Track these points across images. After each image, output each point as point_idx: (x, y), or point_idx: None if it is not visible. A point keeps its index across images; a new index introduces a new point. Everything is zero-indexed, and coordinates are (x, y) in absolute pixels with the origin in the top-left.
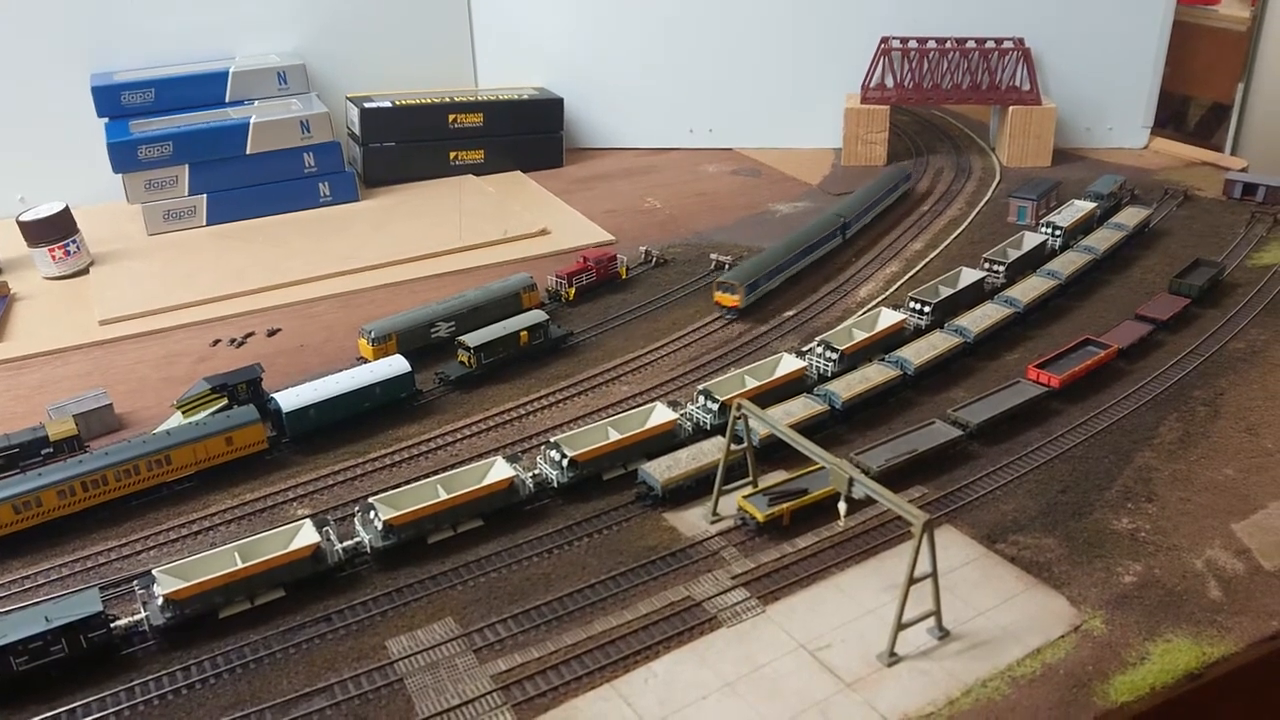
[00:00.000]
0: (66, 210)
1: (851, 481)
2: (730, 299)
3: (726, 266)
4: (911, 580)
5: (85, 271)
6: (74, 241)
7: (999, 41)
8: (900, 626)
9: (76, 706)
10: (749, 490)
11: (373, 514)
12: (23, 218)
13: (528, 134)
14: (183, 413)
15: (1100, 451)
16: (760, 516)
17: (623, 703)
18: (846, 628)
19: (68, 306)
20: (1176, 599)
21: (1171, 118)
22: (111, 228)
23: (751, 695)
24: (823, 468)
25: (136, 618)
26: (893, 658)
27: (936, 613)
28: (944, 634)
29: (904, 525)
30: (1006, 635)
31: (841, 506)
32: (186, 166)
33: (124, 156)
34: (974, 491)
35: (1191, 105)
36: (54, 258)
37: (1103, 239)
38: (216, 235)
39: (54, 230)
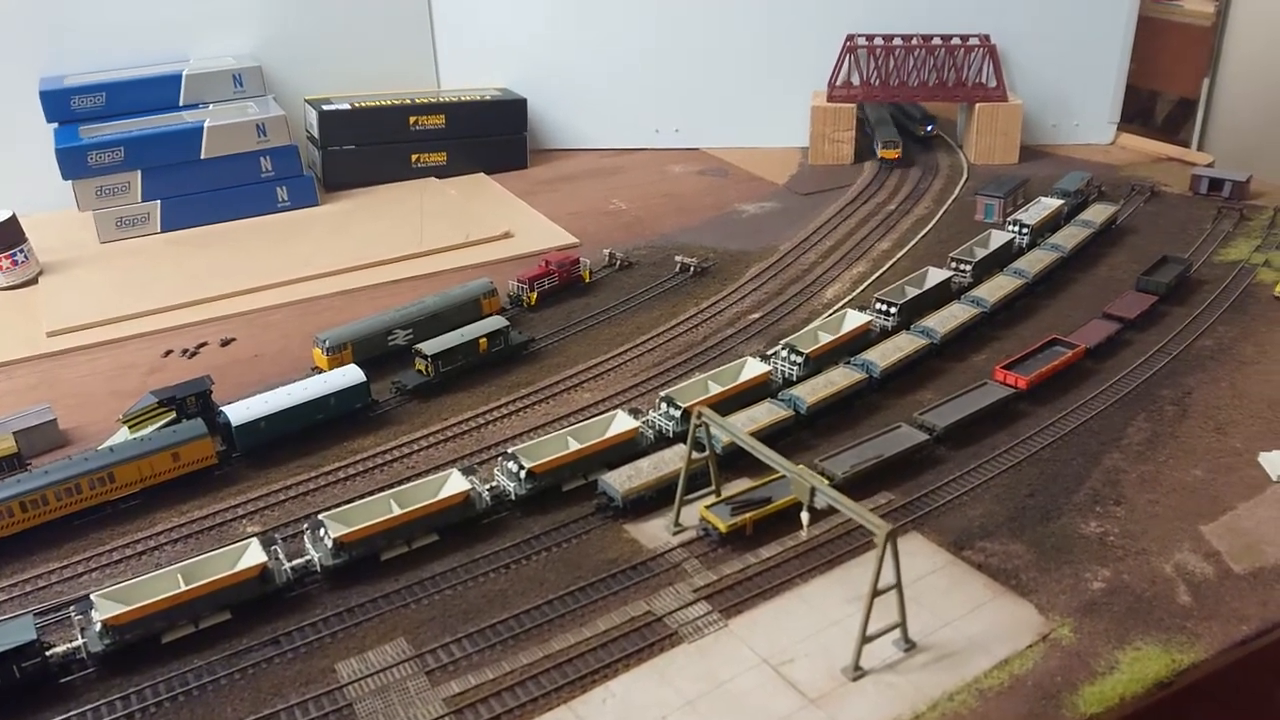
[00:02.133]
0: (14, 218)
1: (813, 491)
2: None
3: (692, 269)
4: (875, 592)
5: (34, 281)
6: (21, 251)
7: (965, 38)
8: (865, 639)
9: None
10: (712, 500)
11: (323, 531)
12: None
13: (491, 135)
14: (129, 428)
15: (1068, 454)
16: (723, 527)
17: None
18: (810, 641)
19: (14, 318)
20: (1146, 605)
21: (1139, 113)
22: (62, 236)
23: (712, 713)
24: (785, 476)
25: (74, 645)
26: (857, 671)
27: (902, 624)
28: (910, 646)
29: (869, 532)
30: (974, 646)
31: (804, 516)
32: (139, 172)
33: (74, 162)
34: (941, 497)
35: (1159, 100)
36: (0, 268)
37: (1070, 236)
38: (171, 242)
39: (0, 239)
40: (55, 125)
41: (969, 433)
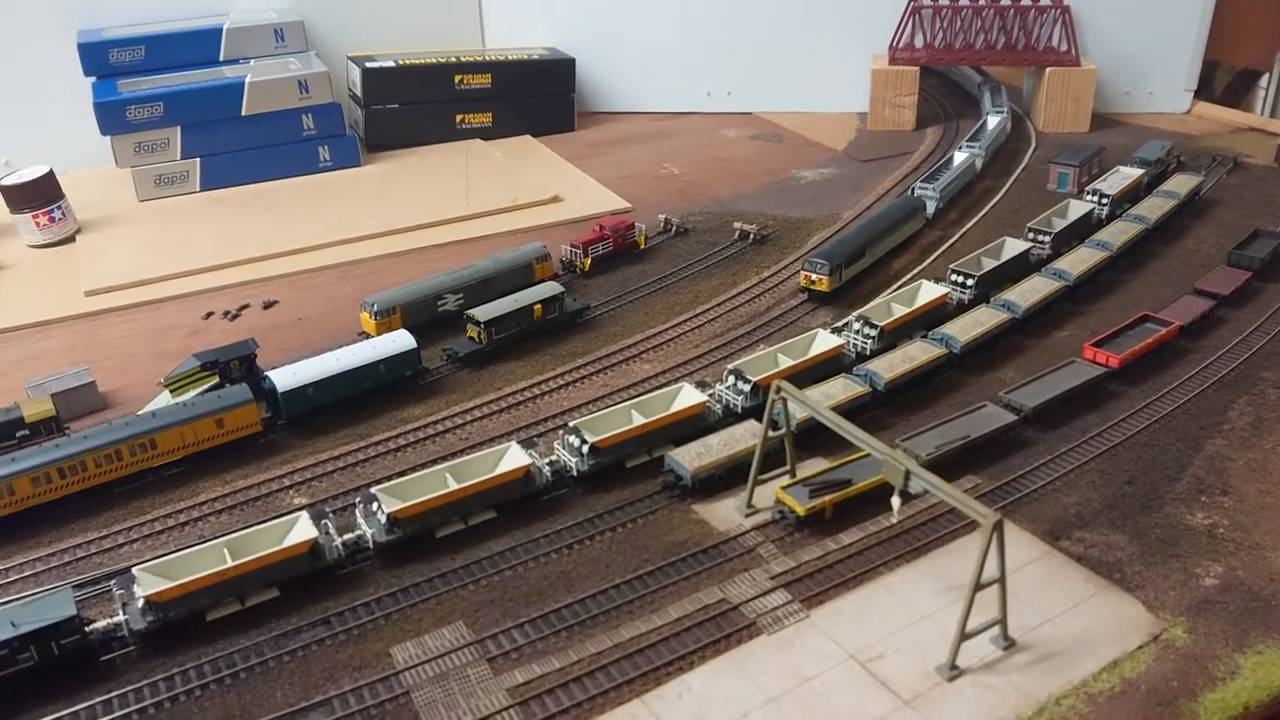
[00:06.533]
0: (50, 174)
1: (908, 474)
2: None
3: (752, 237)
4: (978, 585)
5: (71, 239)
6: (59, 207)
7: (1037, 0)
8: (964, 636)
9: None
10: (787, 480)
11: (376, 505)
12: (4, 182)
13: (538, 96)
14: (171, 392)
15: (1166, 438)
16: (800, 510)
17: None
18: (900, 635)
19: (52, 276)
20: (1264, 604)
21: (1199, 84)
22: (101, 194)
23: (799, 713)
24: (868, 455)
25: (115, 621)
26: (954, 670)
27: (1003, 621)
28: (1010, 643)
29: (959, 519)
30: (1078, 645)
31: (895, 501)
32: (179, 128)
33: (112, 117)
34: (1032, 482)
35: (1219, 70)
36: (38, 224)
37: (1153, 208)
38: (211, 201)
39: (37, 195)
40: (94, 79)
41: (1058, 413)
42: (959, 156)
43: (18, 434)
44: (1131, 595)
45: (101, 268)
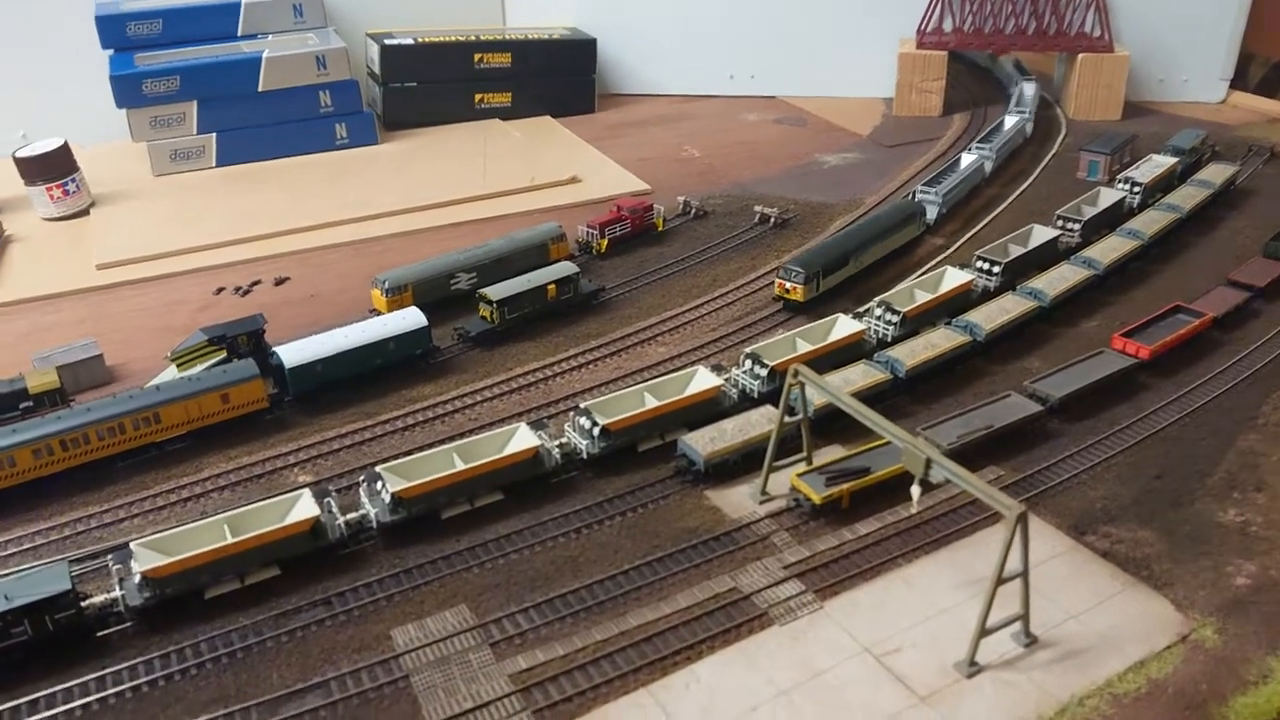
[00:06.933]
0: (65, 146)
1: (929, 463)
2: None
3: (773, 220)
4: (1000, 579)
5: (85, 213)
6: (73, 180)
7: None
8: (984, 632)
9: (40, 697)
10: (803, 467)
11: (380, 484)
12: (19, 154)
13: (558, 76)
14: (177, 366)
15: (1198, 432)
16: (816, 498)
17: (660, 711)
18: (917, 629)
19: (64, 249)
20: None
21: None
22: (116, 168)
23: (810, 707)
24: (888, 443)
25: (111, 596)
26: (973, 667)
27: (1025, 616)
28: (1031, 640)
29: (980, 511)
30: (1103, 643)
31: (915, 490)
32: (195, 103)
33: (128, 90)
34: (1057, 474)
35: (1253, 63)
36: (52, 197)
37: (1187, 197)
38: (226, 177)
39: (51, 167)
40: (111, 52)
41: (1086, 405)
42: (966, 159)
43: (21, 405)
44: (1159, 593)
45: (114, 241)
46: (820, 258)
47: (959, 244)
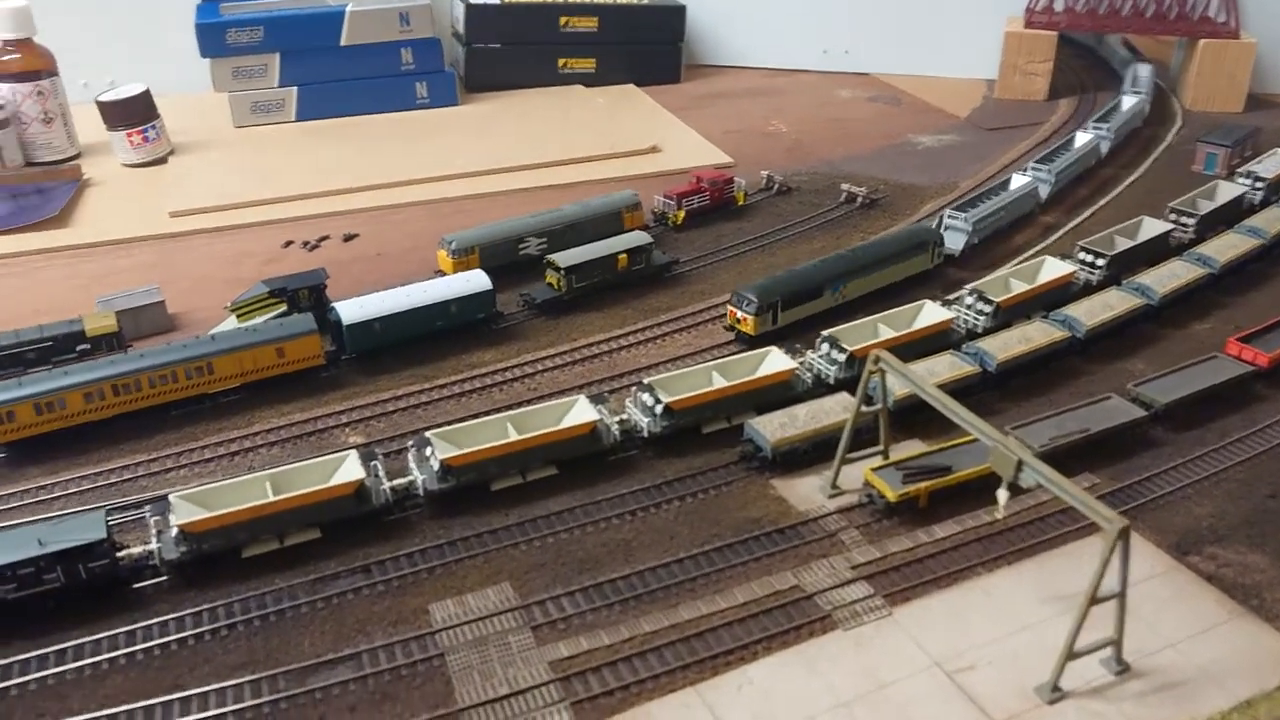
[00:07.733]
0: (146, 93)
1: (1020, 465)
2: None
3: (860, 200)
4: (1094, 599)
5: (164, 160)
6: (153, 127)
7: None
8: (1071, 655)
9: (68, 647)
10: (879, 462)
11: (429, 450)
12: (101, 98)
13: (644, 43)
14: (237, 316)
15: None
16: (891, 495)
17: (708, 713)
18: (995, 646)
19: (140, 195)
20: None
21: None
22: (198, 119)
23: None
24: (974, 441)
25: (148, 548)
26: (1056, 693)
27: (1118, 641)
28: (1123, 668)
29: (1071, 521)
30: (1205, 677)
31: (1002, 495)
32: (277, 55)
33: (212, 39)
34: (1158, 486)
35: None
36: (131, 143)
37: None
38: (305, 132)
39: (132, 113)
40: (198, 1)
41: (1194, 413)
42: (1082, 138)
43: (78, 348)
44: (1271, 625)
45: (188, 190)
46: (781, 287)
47: (1058, 234)
